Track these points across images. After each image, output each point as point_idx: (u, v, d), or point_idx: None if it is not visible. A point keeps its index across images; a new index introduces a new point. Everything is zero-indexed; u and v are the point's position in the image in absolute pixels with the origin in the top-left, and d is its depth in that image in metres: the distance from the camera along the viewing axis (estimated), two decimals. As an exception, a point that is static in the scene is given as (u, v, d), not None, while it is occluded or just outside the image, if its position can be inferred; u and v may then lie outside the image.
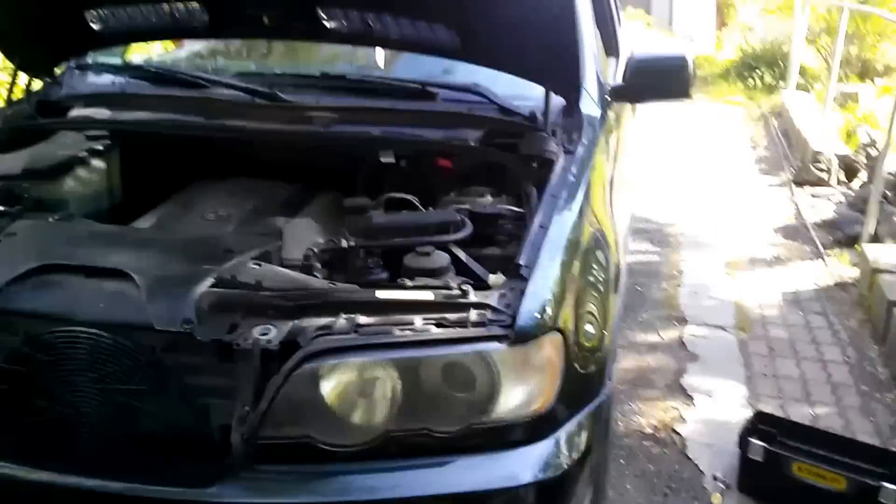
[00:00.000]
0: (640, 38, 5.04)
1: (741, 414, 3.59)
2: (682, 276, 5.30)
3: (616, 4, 4.45)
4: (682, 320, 4.62)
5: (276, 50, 3.67)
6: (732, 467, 3.24)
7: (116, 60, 3.44)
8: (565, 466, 1.91)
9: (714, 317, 4.67)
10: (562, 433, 1.92)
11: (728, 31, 16.08)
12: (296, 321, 1.84)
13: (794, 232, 6.12)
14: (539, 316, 1.84)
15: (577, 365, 1.98)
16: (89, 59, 3.25)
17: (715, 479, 3.25)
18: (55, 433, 1.92)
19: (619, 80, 3.22)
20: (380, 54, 3.34)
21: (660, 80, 3.09)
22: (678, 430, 3.55)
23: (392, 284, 2.04)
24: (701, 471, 3.29)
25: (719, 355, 4.23)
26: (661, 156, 7.72)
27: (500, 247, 2.27)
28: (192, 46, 3.77)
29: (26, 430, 1.93)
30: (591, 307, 2.13)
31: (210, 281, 1.89)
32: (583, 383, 2.03)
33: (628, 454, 3.38)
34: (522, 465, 1.86)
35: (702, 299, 4.93)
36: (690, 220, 6.35)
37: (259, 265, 2.00)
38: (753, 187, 7.32)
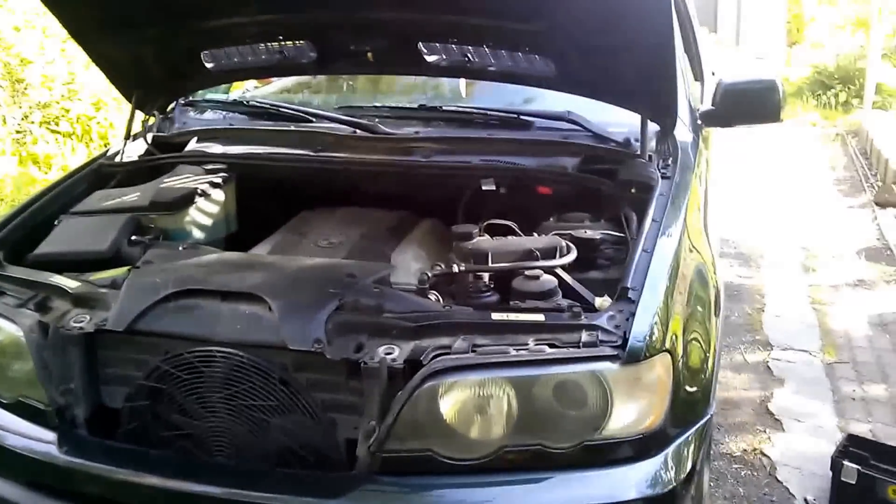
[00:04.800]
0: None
1: (830, 437, 3.58)
2: (764, 299, 5.28)
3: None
4: (767, 345, 4.60)
5: (359, 83, 3.77)
6: (823, 490, 3.23)
7: (220, 96, 3.58)
8: (673, 484, 1.95)
9: (799, 341, 4.64)
10: (669, 451, 1.97)
11: (799, 48, 15.88)
12: (417, 341, 1.94)
13: (878, 254, 6.03)
14: (649, 337, 1.90)
15: (684, 385, 2.04)
16: (197, 96, 3.41)
17: (806, 501, 3.24)
18: (190, 446, 2.06)
19: (706, 105, 3.26)
20: (462, 84, 3.40)
21: (750, 104, 3.11)
22: (767, 453, 3.54)
23: (505, 307, 2.12)
24: (791, 493, 3.28)
25: (806, 379, 4.20)
26: (737, 178, 7.68)
27: (601, 270, 2.33)
28: (281, 82, 3.89)
29: (163, 444, 2.08)
30: (696, 329, 2.19)
31: (336, 304, 2.00)
32: (689, 403, 2.08)
33: (717, 477, 3.38)
34: (632, 482, 1.91)
35: (786, 323, 4.90)
36: (771, 242, 6.30)
37: (379, 289, 2.10)
38: (834, 209, 7.23)
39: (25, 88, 7.30)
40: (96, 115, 7.58)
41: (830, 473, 3.16)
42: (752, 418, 3.82)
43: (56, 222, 2.64)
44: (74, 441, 2.11)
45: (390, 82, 3.63)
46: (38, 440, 2.13)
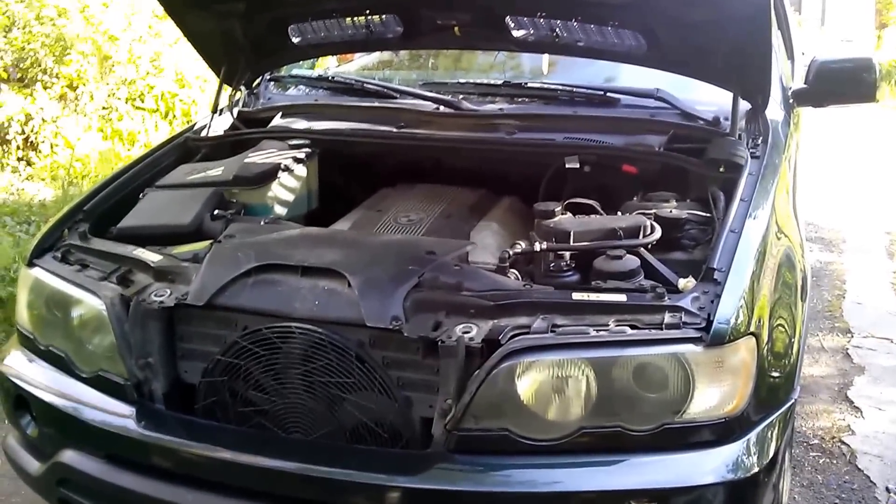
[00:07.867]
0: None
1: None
2: (845, 285, 5.17)
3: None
4: (847, 331, 4.51)
5: (440, 60, 3.75)
6: (905, 479, 3.17)
7: (305, 72, 3.59)
8: (755, 469, 1.91)
9: (880, 328, 4.53)
10: (752, 436, 1.93)
11: (888, 31, 15.40)
12: (495, 320, 1.92)
13: (966, 240, 5.87)
14: (734, 319, 1.87)
15: (768, 370, 1.99)
16: (282, 72, 3.40)
17: (888, 490, 3.16)
18: (265, 422, 2.07)
19: (797, 84, 3.18)
20: (545, 60, 3.34)
21: (844, 83, 3.04)
22: (846, 441, 3.47)
23: (586, 287, 2.09)
24: (872, 482, 3.21)
25: (886, 367, 4.10)
26: (820, 160, 7.50)
27: (685, 251, 2.28)
28: (362, 60, 3.89)
29: (239, 419, 2.09)
30: (782, 313, 2.14)
31: (415, 281, 1.99)
32: (773, 388, 2.04)
33: (795, 464, 3.31)
34: (712, 466, 1.87)
35: (867, 310, 4.80)
36: (853, 227, 6.17)
37: (459, 266, 2.09)
38: (921, 194, 7.04)
39: (112, 66, 7.43)
40: (179, 92, 7.69)
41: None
42: (830, 405, 3.76)
43: (140, 196, 2.67)
44: (152, 415, 2.12)
45: (470, 59, 3.60)
46: (117, 414, 2.14)
